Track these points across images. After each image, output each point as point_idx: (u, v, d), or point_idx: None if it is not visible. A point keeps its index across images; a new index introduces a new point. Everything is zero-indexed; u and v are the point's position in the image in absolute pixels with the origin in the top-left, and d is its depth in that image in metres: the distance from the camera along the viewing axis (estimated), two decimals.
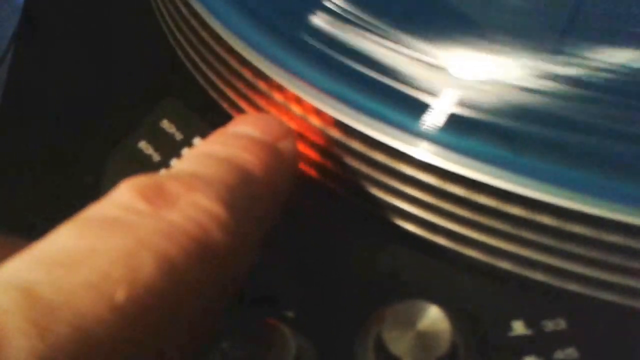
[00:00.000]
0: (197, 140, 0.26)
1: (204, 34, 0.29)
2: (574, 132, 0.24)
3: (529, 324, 0.24)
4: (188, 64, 0.31)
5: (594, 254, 0.23)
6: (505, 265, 0.25)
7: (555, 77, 0.24)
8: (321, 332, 0.24)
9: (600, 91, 0.24)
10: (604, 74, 0.25)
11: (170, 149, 0.27)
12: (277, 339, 0.22)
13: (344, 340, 0.24)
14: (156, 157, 0.27)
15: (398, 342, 0.22)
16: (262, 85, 0.27)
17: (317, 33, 0.27)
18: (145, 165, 0.26)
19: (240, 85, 0.28)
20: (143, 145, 0.27)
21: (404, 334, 0.22)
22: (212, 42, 0.28)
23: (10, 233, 0.27)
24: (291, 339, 0.22)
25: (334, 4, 0.27)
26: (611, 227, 0.23)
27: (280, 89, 0.26)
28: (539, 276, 0.24)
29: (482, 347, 0.23)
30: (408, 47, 0.26)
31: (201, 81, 0.30)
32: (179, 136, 0.27)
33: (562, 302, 0.24)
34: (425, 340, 0.22)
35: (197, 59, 0.30)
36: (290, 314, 0.25)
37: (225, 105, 0.29)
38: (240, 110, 0.29)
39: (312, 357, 0.23)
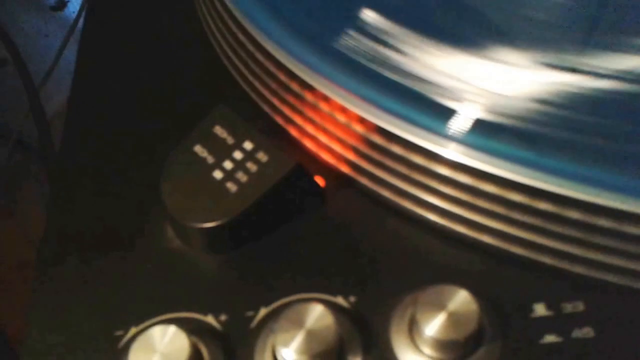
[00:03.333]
0: (247, 144, 0.29)
1: (251, 48, 0.31)
2: (592, 134, 0.26)
3: (549, 306, 0.26)
4: (238, 78, 0.34)
5: (611, 243, 0.26)
6: (528, 253, 0.27)
7: (574, 87, 0.27)
8: (361, 313, 0.27)
9: (616, 97, 0.27)
10: (621, 82, 0.27)
11: (223, 152, 0.29)
12: (320, 322, 0.25)
13: (381, 321, 0.26)
14: (210, 159, 0.29)
15: (431, 322, 0.24)
16: (308, 95, 0.29)
17: (359, 48, 0.29)
18: (200, 167, 0.29)
19: (284, 94, 0.31)
20: (198, 149, 0.30)
21: (436, 315, 0.25)
22: (261, 57, 0.31)
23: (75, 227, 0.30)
24: (334, 320, 0.25)
25: (373, 22, 0.30)
26: (626, 218, 0.25)
27: (324, 98, 0.29)
28: (559, 263, 0.27)
29: (506, 327, 0.26)
30: (438, 57, 0.28)
31: (252, 95, 0.33)
32: (230, 140, 0.29)
33: (581, 287, 0.27)
34: (455, 320, 0.24)
35: (247, 73, 0.33)
36: (333, 297, 0.27)
37: (271, 113, 0.32)
38: (286, 118, 0.31)
39: (353, 335, 0.26)
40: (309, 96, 0.29)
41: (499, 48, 0.28)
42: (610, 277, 0.26)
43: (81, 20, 0.71)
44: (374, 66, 0.29)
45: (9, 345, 0.64)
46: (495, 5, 0.30)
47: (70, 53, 0.75)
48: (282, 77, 0.30)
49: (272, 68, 0.31)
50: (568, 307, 0.26)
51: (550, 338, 0.26)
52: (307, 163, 0.30)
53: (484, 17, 0.30)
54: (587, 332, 0.26)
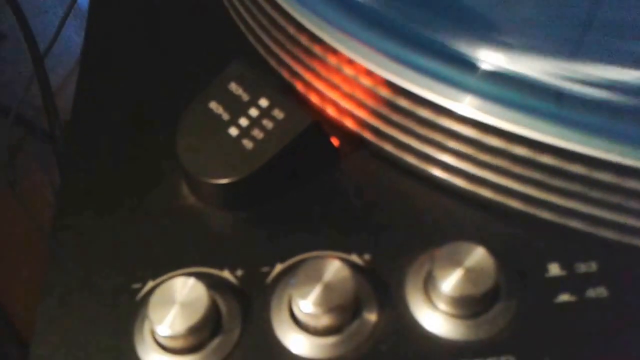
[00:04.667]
0: (262, 101, 0.29)
1: (264, 4, 0.31)
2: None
3: (563, 266, 0.26)
4: (251, 39, 0.34)
5: (623, 201, 0.26)
6: (542, 213, 0.27)
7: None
8: (376, 270, 0.27)
9: None
10: None
11: (239, 109, 0.29)
12: (337, 276, 0.25)
13: (396, 278, 0.27)
14: (225, 116, 0.29)
15: (447, 278, 0.25)
16: (317, 49, 0.29)
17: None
18: (216, 123, 0.29)
19: (298, 52, 0.31)
20: (213, 105, 0.30)
21: (453, 271, 0.25)
22: (273, 13, 0.31)
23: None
24: (351, 274, 0.25)
25: None
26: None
27: (333, 51, 0.29)
28: (572, 223, 0.27)
29: (521, 286, 0.26)
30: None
31: (265, 54, 0.33)
32: (245, 97, 0.29)
33: (594, 247, 0.27)
34: (471, 276, 0.25)
35: (259, 31, 0.33)
36: (347, 255, 0.27)
37: (284, 73, 0.32)
38: (298, 76, 0.31)
39: (368, 292, 0.26)
40: (329, 56, 0.29)
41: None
42: (623, 237, 0.27)
43: None
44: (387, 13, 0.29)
45: (13, 324, 0.64)
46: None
47: (70, 30, 0.75)
48: (295, 32, 0.30)
49: (284, 23, 0.31)
50: (582, 267, 0.26)
51: (564, 297, 0.26)
52: (322, 123, 0.30)
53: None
54: (601, 291, 0.26)
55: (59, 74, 0.78)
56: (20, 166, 0.78)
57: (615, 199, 0.26)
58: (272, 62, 0.32)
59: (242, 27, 0.34)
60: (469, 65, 0.27)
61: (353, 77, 0.29)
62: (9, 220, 0.75)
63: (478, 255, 0.25)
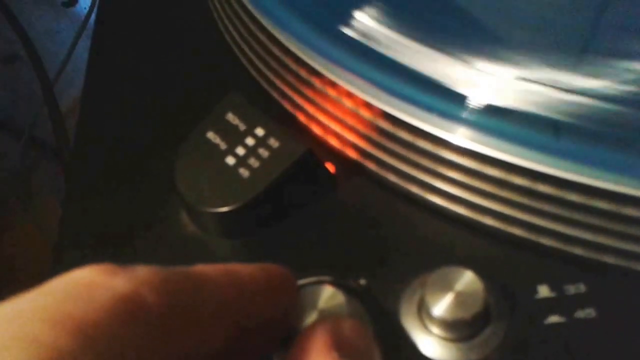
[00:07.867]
0: (258, 130, 0.30)
1: (260, 35, 0.32)
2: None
3: (553, 287, 0.27)
4: (248, 65, 0.35)
5: (612, 225, 0.26)
6: (541, 239, 0.28)
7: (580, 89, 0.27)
8: (371, 295, 0.27)
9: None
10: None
11: (235, 138, 0.30)
12: (331, 301, 0.26)
13: (390, 302, 0.27)
14: (223, 146, 0.30)
15: (439, 303, 0.25)
16: (316, 81, 0.30)
17: (365, 33, 0.30)
18: (213, 153, 0.30)
19: (294, 80, 0.31)
20: (211, 135, 0.31)
21: (444, 296, 0.25)
22: (268, 43, 0.32)
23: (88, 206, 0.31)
24: (345, 300, 0.26)
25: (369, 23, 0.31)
26: (629, 202, 0.26)
27: (333, 84, 0.29)
28: (570, 248, 0.27)
29: (511, 308, 0.27)
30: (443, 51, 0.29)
31: (262, 82, 0.34)
32: (242, 127, 0.30)
33: (582, 268, 0.27)
34: (462, 300, 0.25)
35: (256, 61, 0.34)
36: (343, 280, 0.28)
37: (281, 100, 0.33)
38: (295, 104, 0.32)
39: (363, 317, 0.27)
40: (317, 82, 0.30)
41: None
42: (611, 259, 0.27)
43: (92, 17, 0.72)
44: (380, 49, 0.29)
45: None
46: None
47: (82, 49, 0.76)
48: (291, 63, 0.31)
49: (280, 54, 0.31)
50: (571, 289, 0.27)
51: (554, 318, 0.26)
52: (318, 149, 0.31)
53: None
54: (589, 312, 0.26)
55: (70, 93, 0.79)
56: (34, 186, 0.79)
57: (601, 222, 0.26)
58: (274, 94, 0.33)
59: (242, 58, 0.35)
60: (459, 97, 0.28)
61: (352, 108, 0.29)
62: (22, 239, 0.76)
63: (467, 279, 0.26)
